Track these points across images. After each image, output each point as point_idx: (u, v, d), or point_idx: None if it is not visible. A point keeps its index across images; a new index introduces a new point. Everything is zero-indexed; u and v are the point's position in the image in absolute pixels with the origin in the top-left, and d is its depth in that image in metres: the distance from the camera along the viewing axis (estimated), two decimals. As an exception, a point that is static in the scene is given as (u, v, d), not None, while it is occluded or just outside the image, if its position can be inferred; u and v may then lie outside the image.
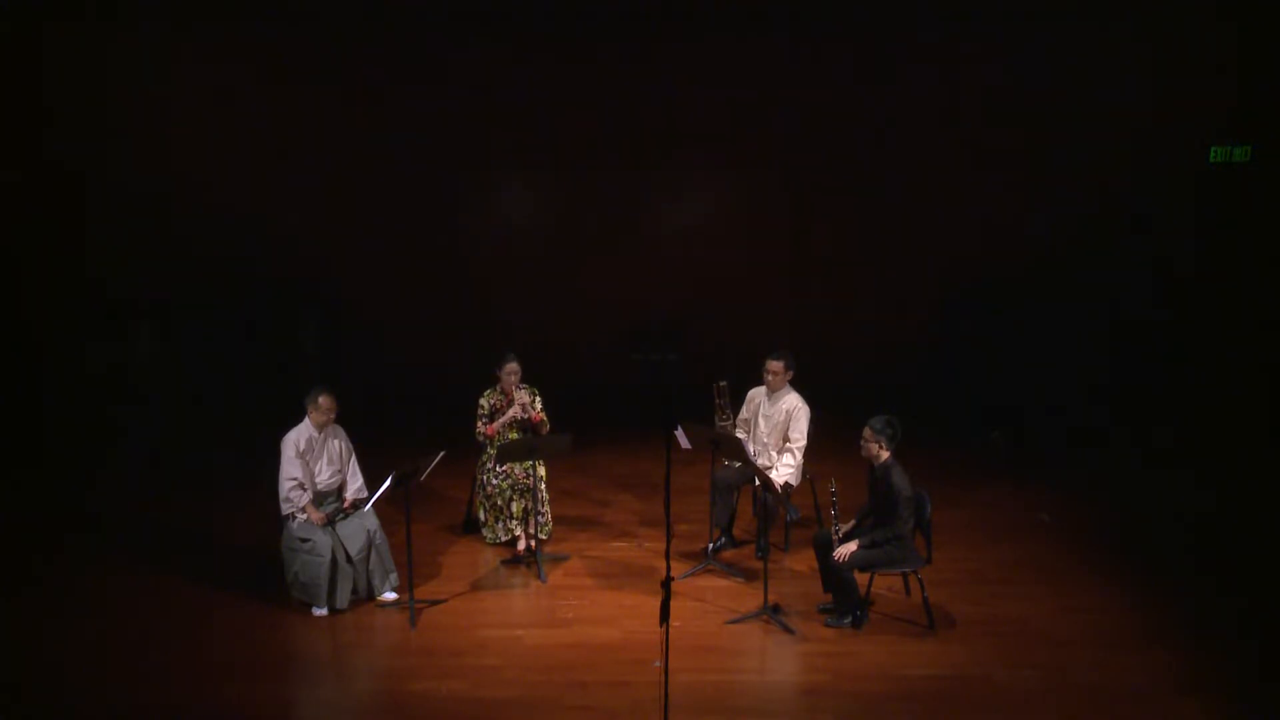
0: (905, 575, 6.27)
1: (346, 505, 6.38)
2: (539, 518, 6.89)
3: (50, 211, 10.22)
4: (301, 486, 6.19)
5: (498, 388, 7.00)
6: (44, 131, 10.08)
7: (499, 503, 6.96)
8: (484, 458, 7.05)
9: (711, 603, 6.26)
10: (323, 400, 6.25)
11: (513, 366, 6.92)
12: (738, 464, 6.73)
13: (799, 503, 7.07)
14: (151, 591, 6.44)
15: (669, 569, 4.69)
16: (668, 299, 11.23)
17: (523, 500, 6.89)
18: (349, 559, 6.11)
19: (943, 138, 10.86)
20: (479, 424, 6.96)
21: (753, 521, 7.13)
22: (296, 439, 6.22)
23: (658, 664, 4.94)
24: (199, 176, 10.55)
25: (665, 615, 4.43)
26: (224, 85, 10.53)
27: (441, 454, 6.28)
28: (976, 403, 10.43)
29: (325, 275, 11.10)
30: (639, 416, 9.64)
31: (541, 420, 7.03)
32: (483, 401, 7.00)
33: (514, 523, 6.94)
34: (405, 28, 10.55)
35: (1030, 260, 10.85)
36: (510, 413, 6.89)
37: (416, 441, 7.09)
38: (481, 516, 7.10)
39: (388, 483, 5.89)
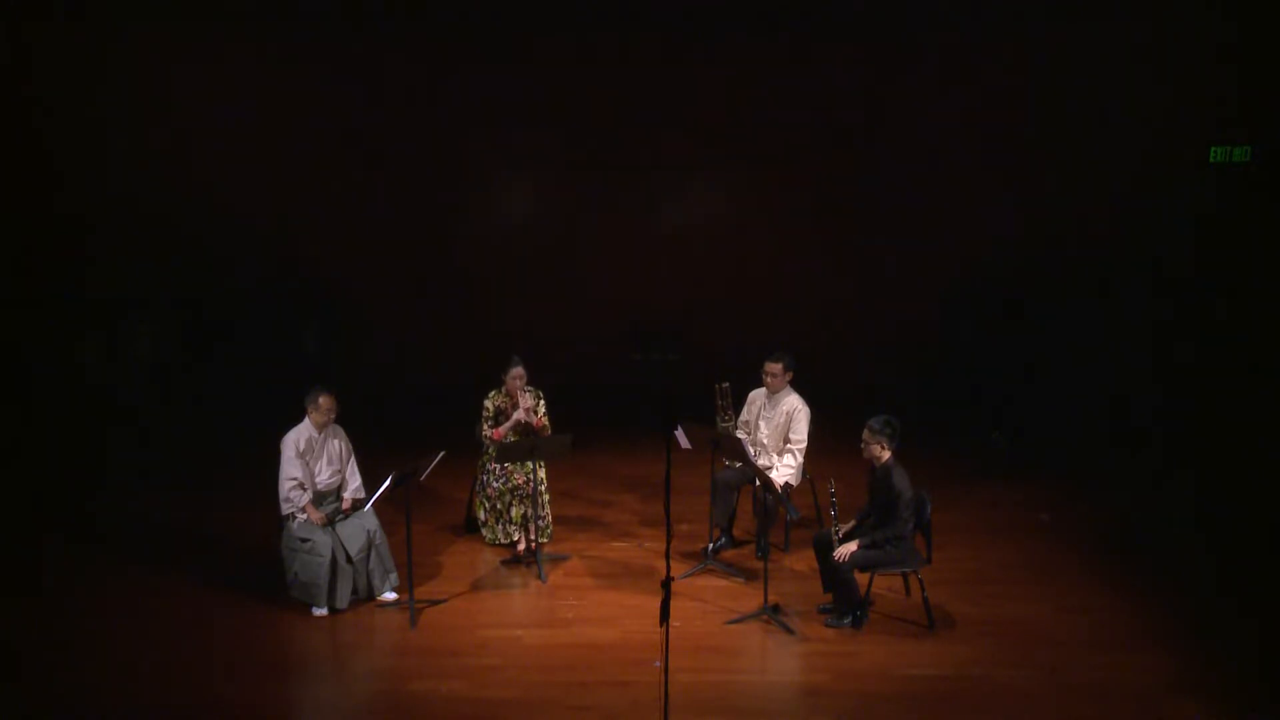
0: (905, 575, 6.27)
1: (346, 506, 6.38)
2: (539, 521, 6.90)
3: (50, 212, 10.20)
4: (301, 486, 6.19)
5: (503, 389, 7.00)
6: (43, 132, 10.07)
7: (499, 506, 6.97)
8: (484, 458, 7.05)
9: (711, 603, 6.26)
10: (323, 400, 6.25)
11: (518, 371, 6.92)
12: (738, 464, 6.73)
13: (799, 503, 7.07)
14: (151, 591, 6.44)
15: (669, 569, 4.69)
16: (668, 299, 11.23)
17: (522, 505, 6.90)
18: (349, 559, 6.11)
19: (945, 138, 10.86)
20: (484, 425, 6.96)
21: (753, 521, 7.13)
22: (296, 439, 6.22)
23: (658, 664, 4.94)
24: (199, 177, 10.54)
25: (665, 615, 4.43)
26: (224, 86, 10.52)
27: (441, 454, 6.28)
28: (978, 403, 10.43)
29: (326, 275, 11.11)
30: (639, 416, 9.64)
31: (544, 426, 7.03)
32: (487, 403, 6.99)
33: (513, 527, 6.94)
34: (406, 28, 10.55)
35: (1030, 261, 10.85)
36: (515, 416, 6.90)
37: (417, 442, 7.08)
38: (481, 516, 7.10)
39: (387, 483, 5.89)
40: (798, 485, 6.97)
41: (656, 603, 4.68)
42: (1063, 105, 10.61)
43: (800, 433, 6.80)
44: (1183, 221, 10.50)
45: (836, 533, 5.98)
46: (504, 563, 6.87)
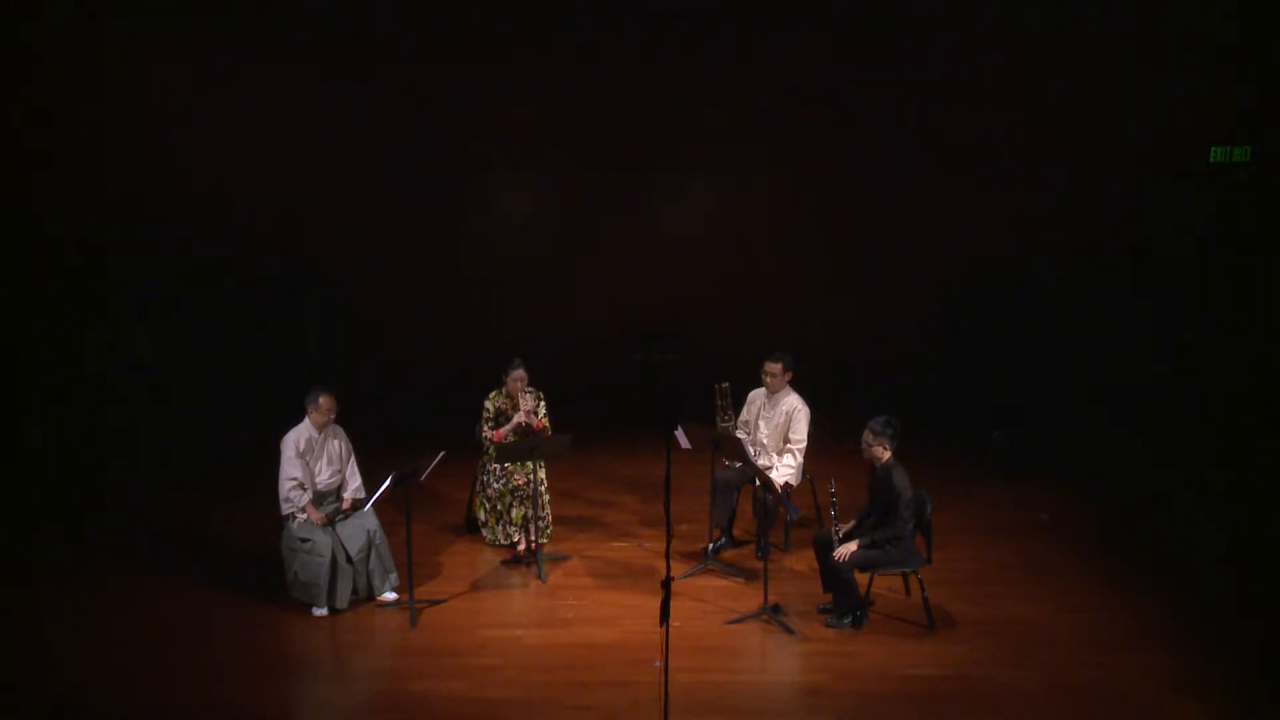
0: (905, 575, 6.27)
1: (346, 506, 6.38)
2: (539, 522, 6.90)
3: (50, 213, 10.20)
4: (301, 486, 6.19)
5: (503, 390, 7.00)
6: (42, 132, 10.07)
7: (499, 507, 6.98)
8: (484, 459, 7.05)
9: (711, 603, 6.26)
10: (323, 401, 6.25)
11: (519, 374, 6.93)
12: (738, 464, 6.73)
13: (799, 503, 7.06)
14: (151, 591, 6.44)
15: (669, 569, 4.69)
16: (668, 299, 11.23)
17: (523, 507, 6.90)
18: (349, 559, 6.11)
19: (945, 137, 10.86)
20: (485, 426, 6.96)
21: (753, 521, 7.13)
22: (296, 439, 6.22)
23: (658, 664, 4.94)
24: (200, 178, 10.54)
25: (665, 615, 4.43)
26: (224, 86, 10.52)
27: (442, 454, 6.28)
28: (979, 403, 10.43)
29: (326, 275, 11.11)
30: (639, 416, 9.64)
31: (544, 428, 7.03)
32: (488, 404, 6.99)
33: (513, 528, 6.95)
34: (406, 28, 10.55)
35: (1031, 260, 10.85)
36: (516, 419, 6.91)
37: (417, 442, 7.08)
38: (481, 517, 7.10)
39: (387, 483, 5.89)
40: (798, 485, 6.97)
41: (656, 603, 4.68)
42: (1063, 105, 10.60)
43: (800, 433, 6.80)
44: (1183, 221, 10.50)
45: (836, 533, 5.98)
46: (504, 563, 6.87)
